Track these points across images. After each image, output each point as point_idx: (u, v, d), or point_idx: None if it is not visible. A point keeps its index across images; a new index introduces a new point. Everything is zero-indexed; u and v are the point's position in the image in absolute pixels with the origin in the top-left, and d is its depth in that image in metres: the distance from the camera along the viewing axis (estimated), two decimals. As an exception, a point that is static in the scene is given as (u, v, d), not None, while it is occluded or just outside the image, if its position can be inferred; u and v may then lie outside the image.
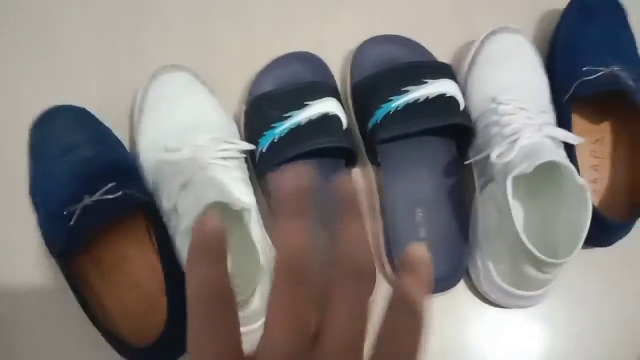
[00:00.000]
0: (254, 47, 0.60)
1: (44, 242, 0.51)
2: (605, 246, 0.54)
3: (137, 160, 0.53)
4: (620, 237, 0.53)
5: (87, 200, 0.47)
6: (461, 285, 0.54)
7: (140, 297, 0.51)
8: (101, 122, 0.55)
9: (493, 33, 0.57)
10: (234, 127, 0.54)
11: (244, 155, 0.52)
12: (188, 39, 0.61)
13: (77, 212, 0.47)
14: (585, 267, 0.54)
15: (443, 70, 0.55)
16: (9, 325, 0.51)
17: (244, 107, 0.56)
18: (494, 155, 0.48)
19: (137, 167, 0.52)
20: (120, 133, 0.55)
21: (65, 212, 0.47)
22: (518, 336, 0.53)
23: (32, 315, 0.52)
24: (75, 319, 0.49)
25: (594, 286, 0.55)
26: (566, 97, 0.53)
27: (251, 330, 0.47)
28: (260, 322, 0.48)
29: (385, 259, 0.53)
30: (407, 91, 0.53)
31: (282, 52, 0.58)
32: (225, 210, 0.45)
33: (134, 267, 0.52)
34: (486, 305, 0.54)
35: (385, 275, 0.54)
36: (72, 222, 0.47)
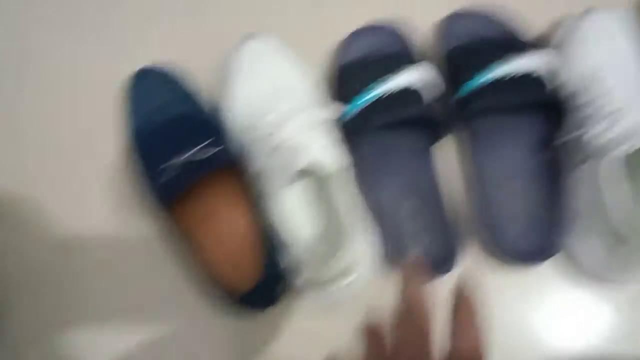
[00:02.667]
0: (335, 16, 0.60)
1: (144, 194, 0.52)
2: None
3: (225, 121, 0.54)
4: None
5: (187, 154, 0.48)
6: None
7: (227, 252, 0.52)
8: (190, 84, 0.56)
9: (588, 12, 0.55)
10: (319, 95, 0.55)
11: (330, 122, 0.52)
12: (272, 6, 0.61)
13: (174, 167, 0.48)
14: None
15: (537, 46, 0.53)
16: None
17: (329, 76, 0.56)
18: (592, 134, 0.46)
19: (225, 127, 0.53)
20: (207, 95, 0.56)
21: (164, 167, 0.49)
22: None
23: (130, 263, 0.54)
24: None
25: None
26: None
27: (342, 286, 0.48)
28: (350, 279, 0.48)
29: (475, 230, 0.52)
30: (502, 63, 0.51)
31: (366, 22, 0.58)
32: (313, 174, 0.45)
33: (222, 222, 0.53)
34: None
35: (477, 246, 0.53)
36: (172, 176, 0.48)
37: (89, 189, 0.56)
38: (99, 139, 0.57)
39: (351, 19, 0.58)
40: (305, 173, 0.45)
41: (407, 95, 0.50)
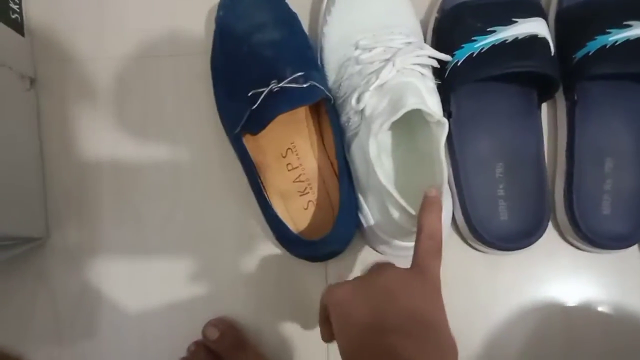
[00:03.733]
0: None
1: (221, 119, 0.51)
2: None
3: (320, 53, 0.51)
4: None
5: (275, 85, 0.46)
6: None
7: (301, 191, 0.51)
8: (289, 6, 0.52)
9: None
10: (421, 33, 0.51)
11: (435, 65, 0.48)
12: None
13: (264, 95, 0.46)
14: None
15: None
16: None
17: (435, 15, 0.52)
18: None
19: (318, 58, 0.51)
20: (304, 22, 0.53)
21: (250, 94, 0.46)
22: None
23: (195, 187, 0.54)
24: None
25: None
26: None
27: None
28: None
29: (560, 206, 0.50)
30: (629, 26, 0.46)
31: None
32: (415, 116, 0.43)
33: (301, 160, 0.51)
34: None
35: (556, 223, 0.51)
36: (257, 105, 0.46)
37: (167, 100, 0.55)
38: (186, 49, 0.55)
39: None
40: (406, 116, 0.42)
41: (535, 43, 0.46)
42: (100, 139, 0.54)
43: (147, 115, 0.54)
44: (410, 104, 0.41)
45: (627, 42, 0.46)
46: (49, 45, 0.55)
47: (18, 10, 0.53)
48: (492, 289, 0.51)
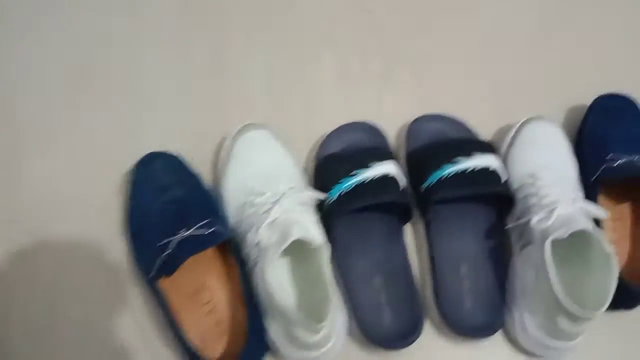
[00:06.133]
0: (319, 115, 0.70)
1: (136, 268, 0.58)
2: (627, 309, 0.61)
3: (220, 199, 0.61)
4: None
5: (184, 233, 0.55)
6: (498, 336, 0.60)
7: (216, 322, 0.57)
8: (191, 167, 0.63)
9: (530, 120, 0.67)
10: (304, 178, 0.63)
11: (315, 203, 0.60)
12: (266, 105, 0.71)
13: (175, 243, 0.54)
14: (611, 330, 0.61)
15: (488, 148, 0.64)
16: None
17: (313, 164, 0.65)
18: (534, 221, 0.56)
19: (221, 206, 0.61)
20: (204, 173, 0.64)
21: (160, 243, 0.55)
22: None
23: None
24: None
25: (619, 347, 0.61)
26: (593, 179, 0.62)
27: (321, 353, 0.54)
28: (328, 346, 0.54)
29: (432, 305, 0.60)
30: (457, 161, 0.61)
31: (344, 122, 0.68)
32: (302, 245, 0.53)
33: (212, 294, 0.59)
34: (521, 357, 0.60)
35: (432, 321, 0.60)
36: (168, 252, 0.54)
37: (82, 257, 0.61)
38: (100, 212, 0.63)
39: (334, 119, 0.68)
40: (294, 246, 0.52)
41: (387, 181, 0.59)
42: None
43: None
44: (294, 234, 0.51)
45: (457, 174, 0.61)
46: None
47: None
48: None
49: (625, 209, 0.65)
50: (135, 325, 0.59)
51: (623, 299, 0.59)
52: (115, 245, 0.61)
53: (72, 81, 0.70)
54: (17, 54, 0.71)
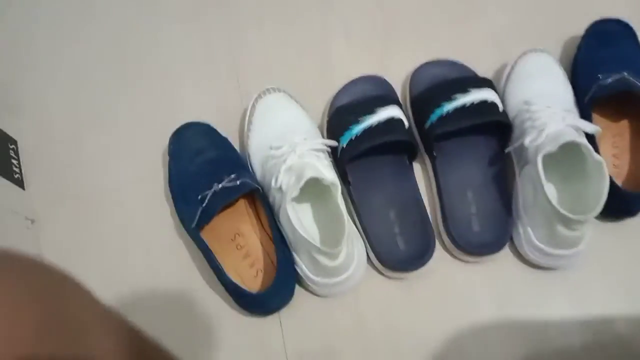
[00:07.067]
0: (330, 75, 0.77)
1: (182, 222, 0.67)
2: (630, 216, 0.65)
3: (247, 159, 0.69)
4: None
5: (216, 187, 0.63)
6: (505, 251, 0.66)
7: (251, 263, 0.66)
8: (219, 133, 0.72)
9: (525, 53, 0.71)
10: (319, 132, 0.70)
11: (329, 150, 0.67)
12: (283, 68, 0.79)
13: (209, 196, 0.63)
14: (615, 237, 0.65)
15: (485, 82, 0.69)
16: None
17: (326, 118, 0.72)
18: (527, 141, 0.61)
19: (247, 163, 0.69)
20: (232, 140, 0.72)
21: (199, 197, 0.63)
22: (554, 298, 0.64)
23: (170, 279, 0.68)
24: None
25: (624, 251, 0.66)
26: (586, 98, 0.66)
27: (337, 281, 0.61)
28: (344, 275, 0.61)
29: (443, 231, 0.66)
30: (455, 98, 0.67)
31: (355, 76, 0.74)
32: (318, 185, 0.60)
33: (245, 240, 0.67)
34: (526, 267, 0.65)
35: (443, 244, 0.67)
36: (205, 204, 0.63)
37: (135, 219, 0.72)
38: (149, 180, 0.73)
39: (345, 77, 0.74)
40: (311, 187, 0.59)
41: (392, 122, 0.66)
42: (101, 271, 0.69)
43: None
44: (307, 174, 0.59)
45: (456, 109, 0.66)
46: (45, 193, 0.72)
47: (18, 171, 0.70)
48: (411, 309, 0.65)
49: (623, 125, 0.68)
50: (186, 269, 0.68)
51: (624, 206, 0.63)
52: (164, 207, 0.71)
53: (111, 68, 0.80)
54: (65, 54, 0.82)
